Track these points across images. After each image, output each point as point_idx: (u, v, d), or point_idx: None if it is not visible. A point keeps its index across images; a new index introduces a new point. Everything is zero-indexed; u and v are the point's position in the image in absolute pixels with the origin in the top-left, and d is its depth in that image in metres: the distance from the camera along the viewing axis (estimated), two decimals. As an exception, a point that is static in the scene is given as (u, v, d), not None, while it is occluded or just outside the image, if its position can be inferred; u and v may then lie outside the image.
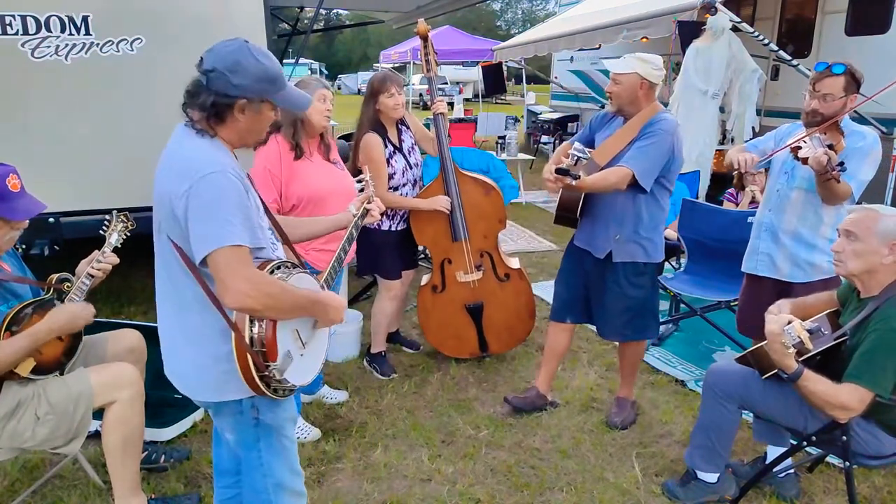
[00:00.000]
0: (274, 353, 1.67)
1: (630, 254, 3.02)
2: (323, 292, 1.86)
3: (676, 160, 2.96)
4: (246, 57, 1.65)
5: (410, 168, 3.56)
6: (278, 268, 1.74)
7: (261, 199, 1.89)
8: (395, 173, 3.48)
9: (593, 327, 3.36)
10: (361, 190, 2.40)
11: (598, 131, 3.17)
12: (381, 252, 3.61)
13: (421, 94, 22.99)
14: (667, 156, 2.90)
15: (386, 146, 3.45)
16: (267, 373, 1.68)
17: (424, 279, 3.83)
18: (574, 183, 2.67)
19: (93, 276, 2.39)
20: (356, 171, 3.48)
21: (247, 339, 1.66)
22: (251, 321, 1.67)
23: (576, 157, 2.67)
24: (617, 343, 3.48)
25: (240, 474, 2.00)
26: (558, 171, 2.66)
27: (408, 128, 3.62)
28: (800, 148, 2.59)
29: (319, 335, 1.91)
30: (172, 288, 1.76)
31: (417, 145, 3.67)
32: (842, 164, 2.48)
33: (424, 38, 3.63)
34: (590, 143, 3.14)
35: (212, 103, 1.65)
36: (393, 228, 3.61)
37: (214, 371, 1.74)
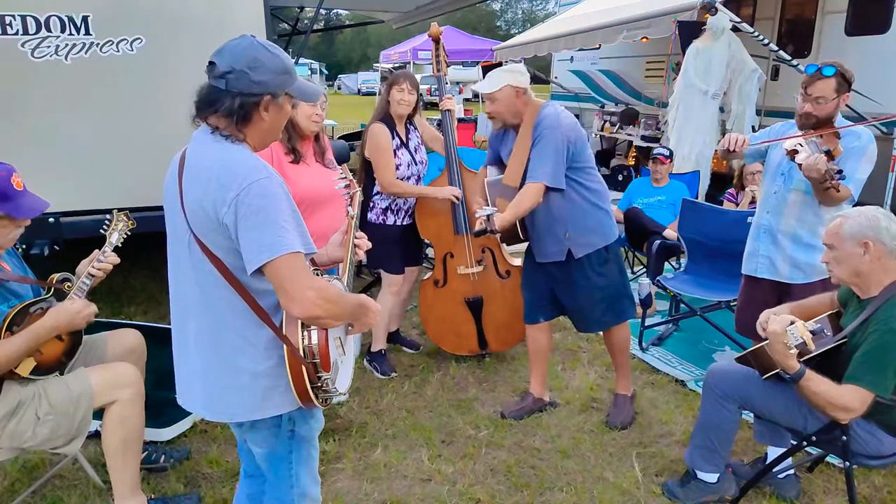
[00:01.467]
0: (327, 364, 1.64)
1: (588, 244, 3.05)
2: (363, 296, 1.82)
3: (577, 144, 2.97)
4: (261, 52, 1.62)
5: (415, 164, 3.61)
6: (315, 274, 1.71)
7: None
8: (400, 165, 3.52)
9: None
10: (346, 187, 2.39)
11: (500, 149, 3.22)
12: (386, 246, 3.63)
13: (422, 94, 23.01)
14: (563, 148, 2.92)
15: (393, 138, 3.51)
16: (320, 383, 1.64)
17: (427, 275, 3.87)
18: (497, 235, 2.85)
19: (93, 276, 2.39)
20: (366, 161, 3.52)
21: (301, 351, 1.61)
22: (302, 332, 1.61)
23: (484, 216, 2.82)
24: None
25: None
26: (476, 233, 2.89)
27: (416, 129, 3.68)
28: (796, 152, 2.58)
29: (350, 341, 1.91)
30: (206, 304, 1.67)
31: (424, 146, 3.71)
32: (840, 171, 2.48)
33: (437, 41, 3.71)
34: (499, 163, 3.21)
35: (239, 105, 1.60)
36: (398, 223, 3.64)
37: (254, 389, 1.68)
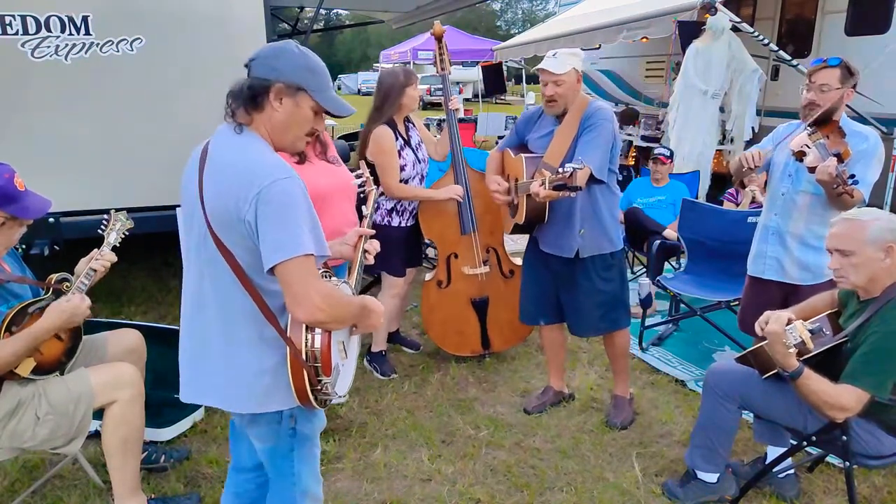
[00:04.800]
0: (328, 368, 1.65)
1: (597, 246, 3.04)
2: (367, 297, 1.82)
3: (617, 145, 3.00)
4: (290, 47, 1.66)
5: (419, 162, 3.59)
6: (323, 276, 1.71)
7: None
8: (405, 165, 3.50)
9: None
10: (361, 185, 2.40)
11: (527, 134, 3.17)
12: (390, 248, 3.59)
13: (421, 95, 23.01)
14: (611, 143, 2.94)
15: (396, 139, 3.48)
16: (319, 387, 1.65)
17: (428, 276, 3.85)
18: (573, 194, 2.65)
19: (94, 272, 2.38)
20: (367, 163, 3.50)
21: (303, 354, 1.62)
22: (306, 335, 1.62)
23: (571, 169, 2.60)
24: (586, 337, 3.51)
25: (260, 469, 1.98)
26: (557, 187, 2.60)
27: (414, 125, 3.65)
28: (804, 153, 2.57)
29: (354, 342, 1.90)
30: (217, 298, 1.69)
31: (423, 144, 3.69)
32: (853, 176, 2.46)
33: (439, 39, 3.67)
34: (521, 147, 3.16)
35: (248, 86, 1.63)
36: (402, 224, 3.63)
37: (258, 383, 1.69)
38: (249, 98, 1.64)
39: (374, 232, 2.10)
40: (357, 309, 1.75)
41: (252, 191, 1.55)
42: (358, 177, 2.37)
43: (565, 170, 2.58)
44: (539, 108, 3.19)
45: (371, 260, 2.06)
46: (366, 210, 2.20)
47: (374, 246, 2.08)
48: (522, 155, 3.03)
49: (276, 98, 1.64)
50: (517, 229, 3.17)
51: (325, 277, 1.74)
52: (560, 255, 3.08)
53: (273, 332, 1.66)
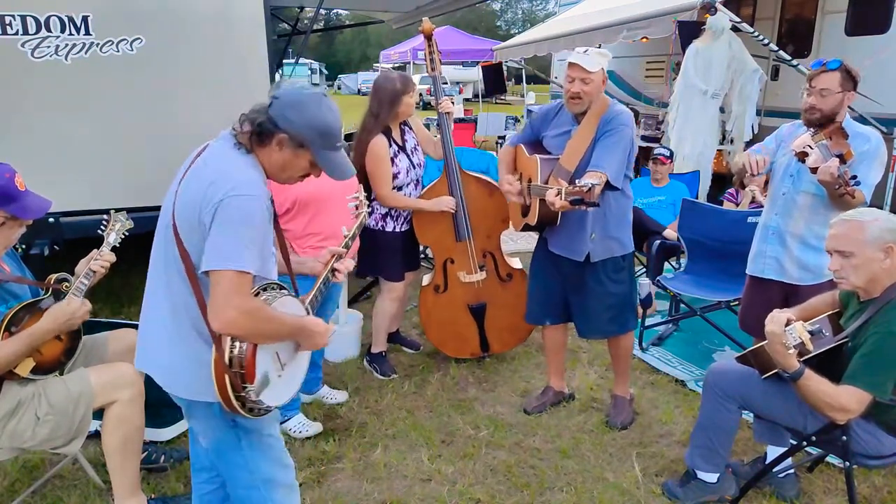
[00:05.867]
0: (252, 376, 1.67)
1: (608, 250, 3.02)
2: (309, 318, 1.85)
3: (634, 149, 2.97)
4: (311, 101, 1.71)
5: (414, 168, 3.55)
6: (265, 289, 1.75)
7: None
8: (399, 173, 3.47)
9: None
10: (357, 207, 2.41)
11: (543, 131, 3.12)
12: (385, 254, 3.60)
13: (421, 94, 23.03)
14: (629, 149, 2.91)
15: (390, 145, 3.44)
16: (243, 393, 1.68)
17: (426, 279, 3.83)
18: (590, 209, 2.58)
19: (93, 273, 2.38)
20: (359, 169, 3.47)
21: (226, 359, 1.66)
22: (232, 341, 1.67)
23: (590, 184, 2.51)
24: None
25: (213, 469, 2.02)
26: (574, 201, 2.51)
27: (410, 129, 3.61)
28: (806, 154, 2.57)
29: (300, 357, 1.90)
30: (168, 289, 1.77)
31: (420, 147, 3.66)
32: (855, 177, 2.46)
33: (429, 38, 3.59)
34: (535, 144, 3.11)
35: (259, 122, 1.70)
36: (397, 230, 3.59)
37: (194, 372, 1.74)
38: (256, 134, 1.72)
39: (346, 252, 2.09)
40: (291, 329, 1.77)
41: (217, 196, 1.62)
42: (353, 199, 2.38)
43: (584, 184, 2.50)
44: (557, 103, 3.14)
45: (340, 279, 2.07)
46: (346, 231, 2.20)
47: (346, 266, 2.09)
48: (538, 156, 2.98)
49: (278, 145, 1.72)
50: (527, 228, 3.14)
51: (273, 290, 1.78)
52: (569, 258, 3.06)
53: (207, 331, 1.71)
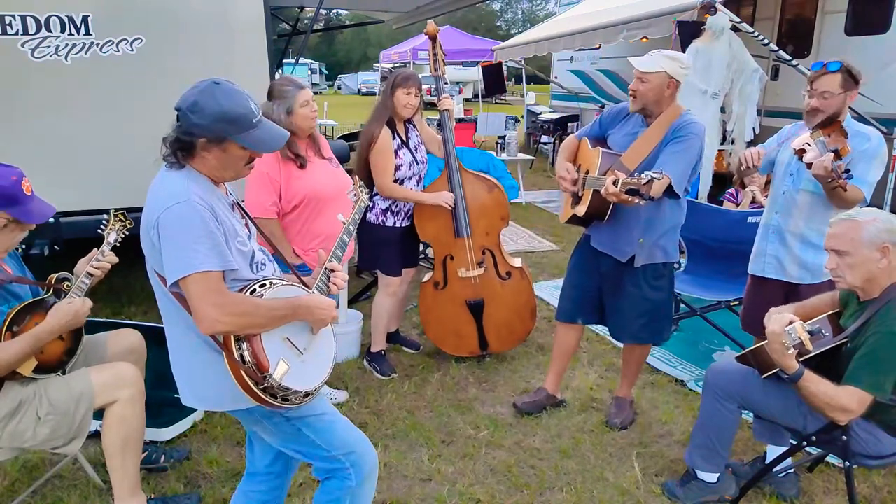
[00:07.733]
0: (264, 366, 1.68)
1: (651, 256, 2.97)
2: (304, 295, 1.84)
3: (701, 162, 2.91)
4: (205, 98, 1.70)
5: (417, 163, 3.59)
6: (262, 286, 1.77)
7: (251, 220, 1.94)
8: (401, 165, 3.50)
9: (595, 328, 3.35)
10: (355, 195, 2.41)
11: (610, 129, 3.07)
12: (383, 248, 3.63)
13: (422, 94, 23.04)
14: (696, 160, 2.85)
15: (394, 138, 3.49)
16: (266, 384, 1.68)
17: (426, 276, 3.85)
18: (643, 203, 2.56)
19: (92, 275, 2.40)
20: (364, 162, 3.49)
21: (237, 357, 1.68)
22: (236, 340, 1.69)
23: (649, 177, 2.49)
24: (620, 344, 3.46)
25: (270, 473, 2.07)
26: (629, 191, 2.50)
27: (415, 127, 3.65)
28: (804, 151, 2.58)
29: (322, 338, 1.91)
30: (164, 311, 1.85)
31: (423, 145, 3.69)
32: (848, 171, 2.47)
33: (433, 39, 3.66)
34: (601, 141, 3.06)
35: (173, 139, 1.74)
36: (397, 225, 3.62)
37: (226, 382, 1.73)
38: (180, 150, 1.75)
39: (341, 269, 2.08)
40: (285, 310, 1.76)
41: (153, 217, 1.69)
42: (351, 191, 2.39)
43: (643, 176, 2.47)
44: (628, 103, 3.07)
45: (335, 290, 2.07)
46: (343, 218, 2.19)
47: (340, 283, 2.05)
48: (600, 149, 2.91)
49: (204, 150, 1.74)
50: (574, 220, 3.06)
51: (273, 285, 1.79)
52: (612, 257, 3.01)
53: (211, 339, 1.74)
